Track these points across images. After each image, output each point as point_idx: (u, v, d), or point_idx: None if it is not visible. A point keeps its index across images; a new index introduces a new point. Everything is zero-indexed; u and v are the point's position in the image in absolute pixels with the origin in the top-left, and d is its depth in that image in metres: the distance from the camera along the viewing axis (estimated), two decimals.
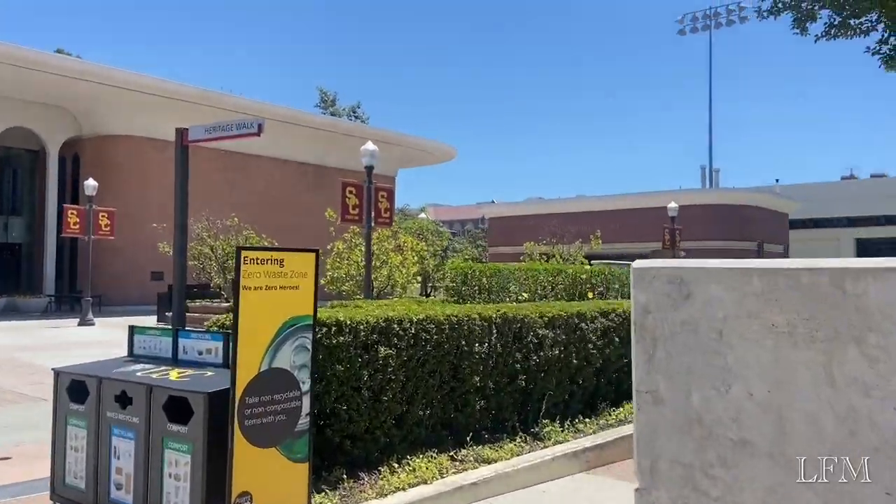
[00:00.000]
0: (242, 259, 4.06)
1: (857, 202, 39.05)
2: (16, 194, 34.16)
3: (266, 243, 22.75)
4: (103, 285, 29.53)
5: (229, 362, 5.14)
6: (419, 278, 20.81)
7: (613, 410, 8.03)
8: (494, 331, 6.73)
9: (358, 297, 20.04)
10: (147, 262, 31.52)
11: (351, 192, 14.79)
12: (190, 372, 4.91)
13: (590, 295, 12.74)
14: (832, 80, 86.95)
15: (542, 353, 7.18)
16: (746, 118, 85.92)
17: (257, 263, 4.10)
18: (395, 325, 5.87)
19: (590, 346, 7.79)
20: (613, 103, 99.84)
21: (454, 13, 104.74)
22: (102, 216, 22.91)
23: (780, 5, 8.83)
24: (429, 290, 24.80)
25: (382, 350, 5.73)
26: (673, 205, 26.15)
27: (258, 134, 6.78)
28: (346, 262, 19.20)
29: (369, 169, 14.99)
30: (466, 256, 31.21)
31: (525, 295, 11.72)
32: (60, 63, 27.35)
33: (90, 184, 22.60)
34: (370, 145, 14.96)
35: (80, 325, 22.26)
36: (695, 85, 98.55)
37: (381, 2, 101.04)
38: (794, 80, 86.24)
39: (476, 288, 12.20)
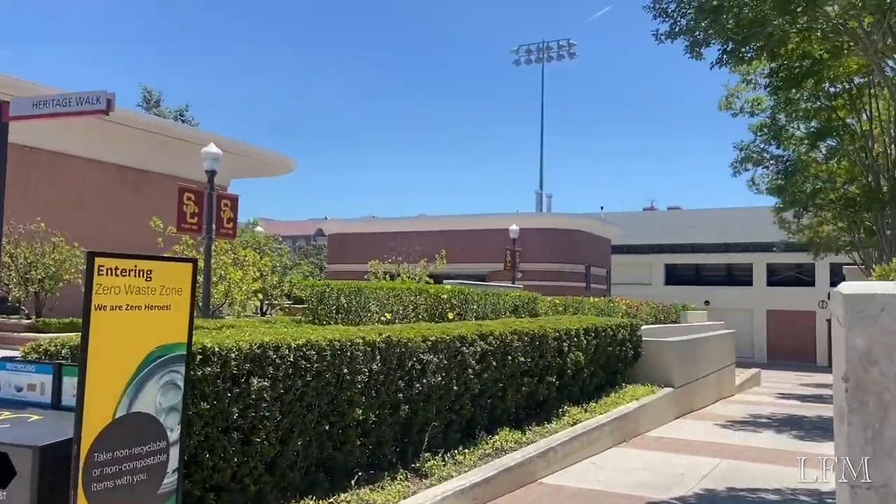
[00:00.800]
0: (96, 268, 3.09)
1: (666, 231, 42.73)
2: None
3: (79, 254, 20.17)
4: None
5: (59, 402, 4.05)
6: (259, 296, 19.32)
7: (490, 438, 7.62)
8: (378, 356, 6.04)
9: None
10: None
11: (190, 198, 13.36)
12: (7, 415, 3.77)
13: (450, 315, 12.39)
14: (642, 117, 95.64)
15: (424, 381, 6.59)
16: (577, 146, 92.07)
17: (117, 275, 3.15)
18: (272, 353, 5.01)
19: (469, 371, 7.33)
20: (453, 127, 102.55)
21: (294, 28, 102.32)
22: None
23: (676, 29, 9.07)
24: (265, 309, 23.27)
25: (256, 382, 4.85)
26: (514, 227, 26.79)
27: (106, 112, 5.63)
28: None
29: (211, 174, 13.65)
30: (306, 273, 29.87)
31: (388, 315, 11.08)
32: None
33: None
34: (213, 148, 13.63)
35: None
36: (531, 114, 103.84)
37: (220, 4, 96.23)
38: (614, 117, 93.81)
39: (334, 307, 11.39)
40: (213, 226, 13.65)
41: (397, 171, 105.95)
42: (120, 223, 31.44)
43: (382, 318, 11.02)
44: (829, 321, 38.67)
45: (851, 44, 10.55)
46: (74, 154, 32.86)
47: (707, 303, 37.37)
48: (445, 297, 12.42)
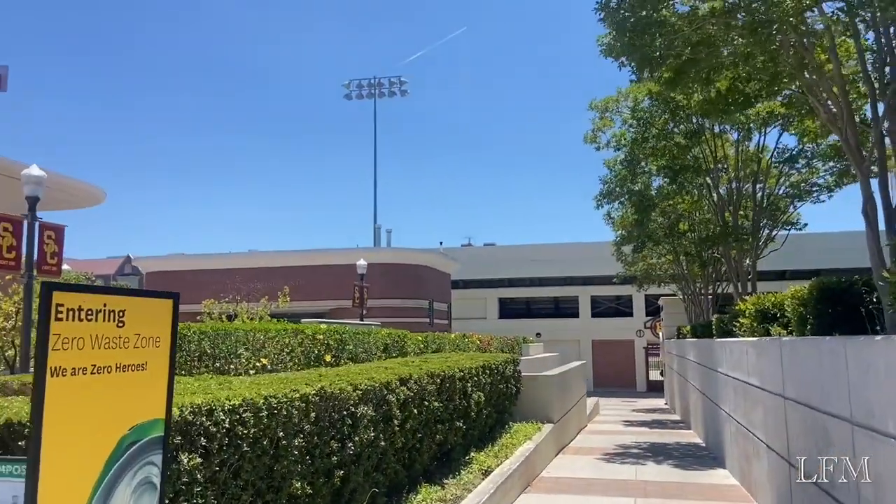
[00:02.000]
0: (54, 309, 1.98)
1: (499, 266, 44.02)
2: None
3: None
4: None
5: None
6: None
7: (414, 498, 6.76)
8: (312, 413, 5.02)
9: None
10: None
11: (7, 229, 11.15)
12: None
13: (327, 358, 11.32)
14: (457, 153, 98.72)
15: (356, 438, 5.64)
16: (411, 181, 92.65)
17: (81, 318, 2.04)
18: (205, 419, 3.88)
19: (394, 422, 6.46)
20: (282, 161, 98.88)
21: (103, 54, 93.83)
22: None
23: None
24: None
25: (186, 459, 3.69)
26: (362, 262, 25.88)
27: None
28: None
29: (33, 201, 11.50)
30: None
31: (263, 361, 9.78)
32: None
33: None
34: (35, 170, 11.50)
35: None
36: (365, 149, 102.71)
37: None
38: (446, 151, 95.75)
39: (197, 354, 9.87)
40: (35, 261, 11.47)
41: (222, 207, 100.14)
42: None
43: (257, 364, 9.72)
44: (645, 349, 41.83)
45: None
46: None
47: (539, 334, 38.77)
48: (321, 337, 11.34)
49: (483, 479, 7.89)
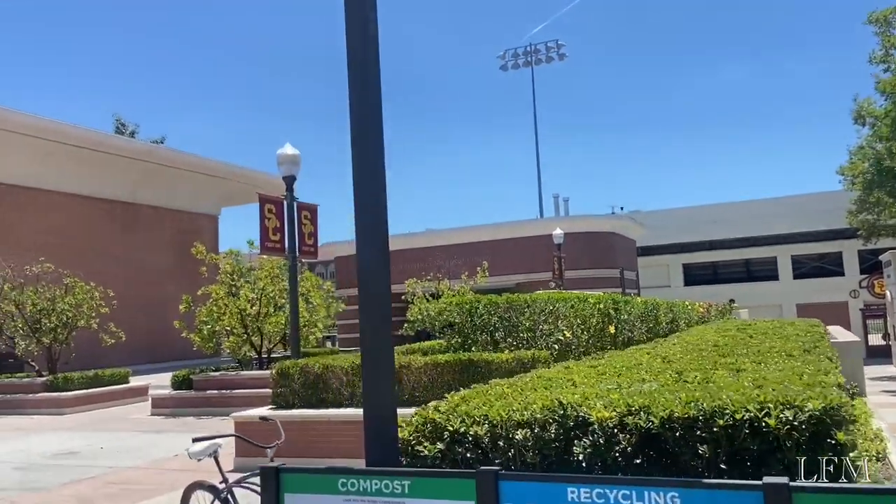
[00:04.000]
0: None
1: (682, 229, 41.26)
2: None
3: (98, 294, 17.36)
4: None
5: None
6: (320, 326, 16.61)
7: None
8: None
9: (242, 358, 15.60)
10: None
11: (271, 210, 10.92)
12: None
13: (611, 329, 10.20)
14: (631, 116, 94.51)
15: None
16: (577, 148, 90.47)
17: None
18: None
19: None
20: (443, 139, 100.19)
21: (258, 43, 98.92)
22: None
23: None
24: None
25: None
26: (559, 231, 24.77)
27: None
28: (227, 311, 14.75)
29: (290, 181, 11.21)
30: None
31: (567, 334, 8.80)
32: None
33: None
34: (289, 149, 11.21)
35: None
36: (522, 120, 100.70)
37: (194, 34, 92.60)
38: (609, 116, 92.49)
39: (489, 331, 9.03)
40: (297, 243, 11.23)
41: (395, 188, 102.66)
42: (107, 263, 28.45)
43: (560, 338, 8.76)
44: (862, 310, 37.60)
45: None
46: (58, 190, 29.78)
47: (732, 301, 35.88)
48: (602, 307, 10.21)
49: None
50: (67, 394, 15.43)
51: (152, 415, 14.25)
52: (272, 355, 15.40)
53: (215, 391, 14.02)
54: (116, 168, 31.20)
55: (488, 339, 9.15)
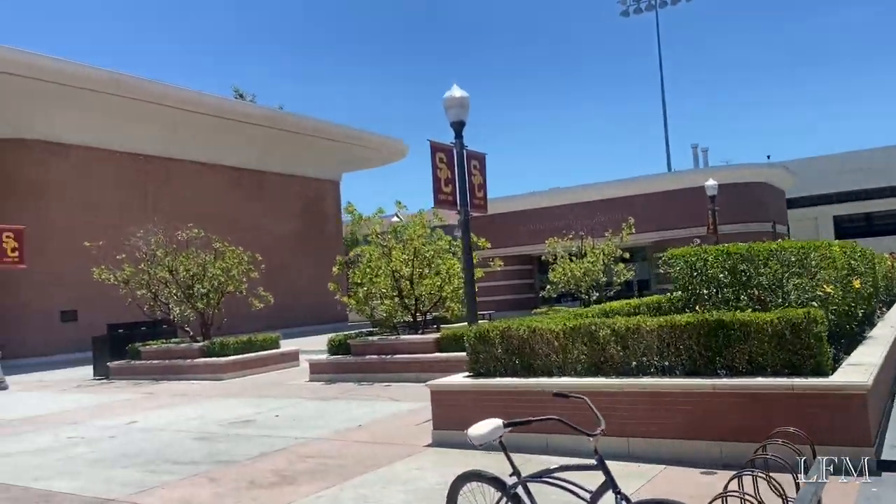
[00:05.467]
0: None
1: (827, 179, 37.60)
2: None
3: (246, 258, 17.15)
4: None
5: None
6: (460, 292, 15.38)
7: None
8: None
9: (397, 322, 14.83)
10: (55, 300, 24.68)
11: (442, 159, 9.88)
12: None
13: (856, 284, 8.53)
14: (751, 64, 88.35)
15: None
16: (700, 97, 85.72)
17: None
18: None
19: None
20: (563, 94, 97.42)
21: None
22: (7, 238, 16.46)
23: None
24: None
25: None
26: (712, 182, 22.63)
27: None
28: (381, 274, 14.02)
29: (459, 127, 10.11)
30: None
31: (828, 289, 7.27)
32: None
33: None
34: (457, 91, 10.09)
35: None
36: (643, 68, 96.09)
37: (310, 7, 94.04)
38: (735, 63, 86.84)
39: (720, 284, 7.64)
40: (468, 196, 10.17)
41: (511, 149, 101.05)
42: (237, 230, 28.73)
43: (818, 294, 7.24)
44: None
45: None
46: (188, 159, 30.38)
47: (893, 254, 32.28)
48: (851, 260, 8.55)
49: None
50: (224, 359, 15.30)
51: (310, 381, 13.82)
52: (427, 318, 14.59)
53: (375, 356, 13.39)
54: (243, 136, 31.46)
55: (715, 295, 7.78)
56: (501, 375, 7.50)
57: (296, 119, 32.64)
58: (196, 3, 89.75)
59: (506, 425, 3.23)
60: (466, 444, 7.34)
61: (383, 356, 13.31)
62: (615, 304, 10.28)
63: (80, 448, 8.64)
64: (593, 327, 6.98)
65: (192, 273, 16.43)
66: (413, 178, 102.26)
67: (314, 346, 20.11)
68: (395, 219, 16.60)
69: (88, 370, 18.72)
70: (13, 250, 16.42)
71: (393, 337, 13.67)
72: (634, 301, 10.65)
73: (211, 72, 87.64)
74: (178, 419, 10.40)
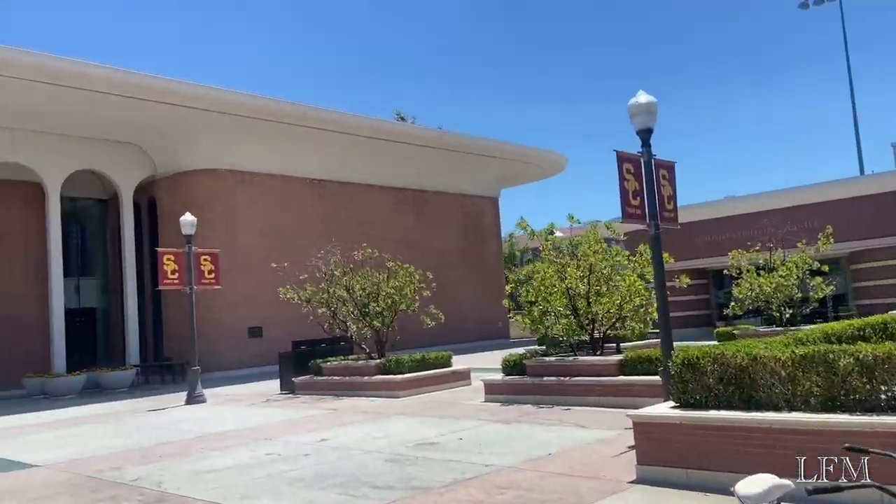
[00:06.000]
0: None
1: None
2: (85, 252, 29.79)
3: (418, 277, 17.40)
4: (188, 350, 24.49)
5: None
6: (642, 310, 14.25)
7: None
8: None
9: (560, 338, 14.36)
10: (243, 318, 26.53)
11: (629, 170, 9.28)
12: None
13: None
14: None
15: None
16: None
17: None
18: None
19: None
20: (735, 96, 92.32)
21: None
22: (205, 260, 17.84)
23: None
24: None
25: None
26: None
27: None
28: (556, 292, 13.57)
29: (646, 135, 9.46)
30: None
31: None
32: (125, 78, 22.71)
33: (187, 220, 17.61)
34: (643, 97, 9.46)
35: (188, 403, 17.07)
36: (826, 62, 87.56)
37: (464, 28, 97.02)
38: None
39: None
40: (657, 208, 9.47)
41: (680, 155, 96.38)
42: (403, 249, 29.32)
43: None
44: None
45: None
46: (358, 182, 31.69)
47: None
48: None
49: None
50: (400, 376, 15.50)
51: (486, 401, 13.60)
52: (605, 339, 13.89)
53: (552, 378, 12.91)
54: (407, 157, 32.36)
55: None
56: (714, 407, 6.77)
57: (456, 138, 33.09)
58: (358, 35, 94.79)
59: (810, 492, 2.64)
60: (678, 483, 6.75)
61: (561, 378, 12.81)
62: (834, 325, 9.11)
63: (278, 465, 8.92)
64: (831, 356, 6.09)
65: (367, 292, 16.89)
66: (565, 191, 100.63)
67: (481, 363, 19.98)
68: (558, 233, 16.04)
69: (273, 384, 19.82)
70: (210, 272, 17.76)
71: (571, 358, 13.13)
72: (856, 321, 9.40)
73: (369, 97, 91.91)
74: (364, 438, 10.53)
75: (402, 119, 48.48)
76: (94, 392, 22.87)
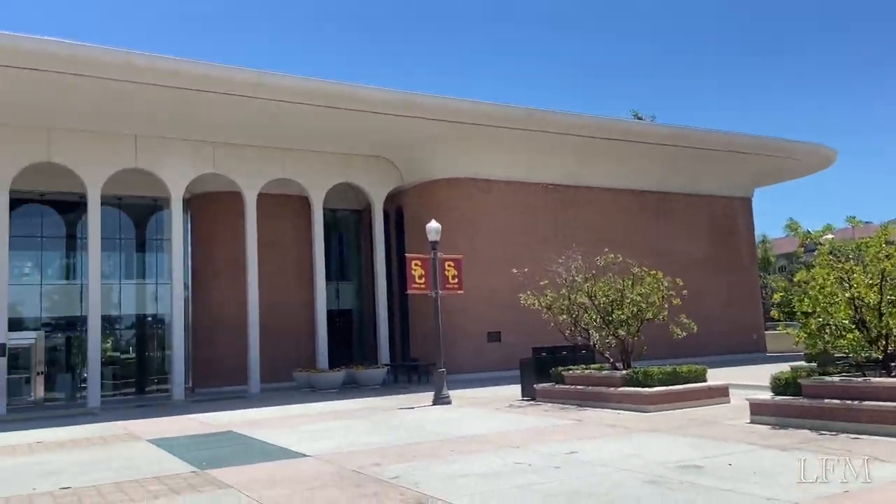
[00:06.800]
0: None
1: None
2: (342, 258, 32.59)
3: (666, 284, 16.27)
4: (434, 351, 25.52)
5: None
6: None
7: None
8: None
9: (844, 355, 12.41)
10: (482, 322, 27.09)
11: None
12: None
13: None
14: None
15: None
16: None
17: None
18: None
19: None
20: None
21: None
22: (449, 266, 18.39)
23: None
24: None
25: None
26: None
27: None
28: (838, 302, 11.72)
29: None
30: None
31: None
32: (385, 97, 24.37)
33: (433, 227, 18.30)
34: None
35: (434, 403, 17.67)
36: None
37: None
38: None
39: None
40: None
41: None
42: (644, 255, 27.69)
43: None
44: None
45: None
46: (592, 185, 30.89)
47: None
48: None
49: None
50: (650, 390, 14.52)
51: (751, 422, 12.16)
52: None
53: (836, 401, 11.13)
54: (646, 157, 30.86)
55: None
56: None
57: (701, 134, 30.81)
58: (596, 36, 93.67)
59: None
60: None
61: (847, 401, 10.99)
62: None
63: (529, 476, 8.61)
64: None
65: (610, 299, 16.13)
66: (817, 188, 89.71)
67: (737, 379, 18.21)
68: (829, 236, 14.01)
69: (512, 389, 19.82)
70: (453, 277, 18.25)
71: (861, 379, 11.23)
72: None
73: (603, 98, 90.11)
74: (616, 455, 9.86)
75: (639, 118, 46.66)
76: (351, 388, 24.76)
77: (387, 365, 26.81)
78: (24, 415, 21.17)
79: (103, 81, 20.39)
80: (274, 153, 26.32)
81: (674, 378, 14.88)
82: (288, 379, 26.03)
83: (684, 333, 15.94)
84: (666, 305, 15.99)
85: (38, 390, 25.68)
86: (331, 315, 28.05)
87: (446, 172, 27.94)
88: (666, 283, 16.12)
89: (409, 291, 19.14)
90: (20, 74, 19.31)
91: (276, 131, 25.30)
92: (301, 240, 28.43)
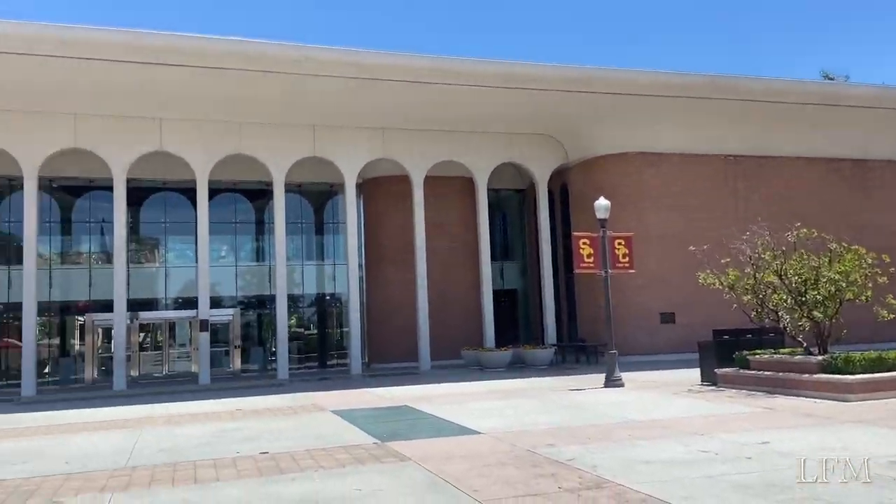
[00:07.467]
0: None
1: None
2: (506, 238, 32.62)
3: (870, 261, 14.60)
4: (602, 332, 24.83)
5: None
6: None
7: None
8: None
9: None
10: (654, 302, 25.97)
11: None
12: None
13: None
14: None
15: None
16: None
17: None
18: None
19: None
20: None
21: None
22: (619, 244, 17.73)
23: None
24: None
25: None
26: None
27: None
28: None
29: None
30: None
31: None
32: (563, 73, 24.07)
33: (602, 204, 17.71)
34: None
35: (606, 385, 17.20)
36: None
37: None
38: None
39: None
40: None
41: None
42: (841, 224, 25.16)
43: None
44: None
45: None
46: (779, 154, 28.41)
47: None
48: None
49: None
50: (851, 377, 13.11)
51: None
52: None
53: None
54: (842, 121, 27.81)
55: None
56: None
57: None
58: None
59: None
60: None
61: None
62: None
63: (717, 466, 8.05)
64: None
65: (803, 278, 14.72)
66: None
67: None
68: None
69: (689, 373, 18.81)
70: (624, 256, 17.58)
71: None
72: None
73: (788, 58, 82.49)
74: (816, 446, 8.97)
75: (830, 79, 42.19)
76: (519, 367, 24.80)
77: (553, 345, 26.54)
78: (224, 384, 23.39)
79: (283, 76, 21.82)
80: (439, 136, 26.77)
81: (879, 365, 13.34)
82: (455, 357, 26.59)
83: (892, 316, 14.21)
84: (870, 284, 14.33)
85: (236, 362, 28.24)
86: (496, 295, 28.20)
87: (614, 147, 26.96)
88: (869, 260, 14.42)
89: (578, 271, 18.69)
90: (208, 73, 21.25)
91: (443, 114, 25.71)
92: (466, 220, 28.78)
